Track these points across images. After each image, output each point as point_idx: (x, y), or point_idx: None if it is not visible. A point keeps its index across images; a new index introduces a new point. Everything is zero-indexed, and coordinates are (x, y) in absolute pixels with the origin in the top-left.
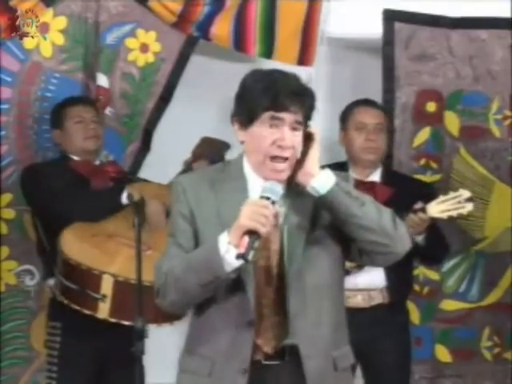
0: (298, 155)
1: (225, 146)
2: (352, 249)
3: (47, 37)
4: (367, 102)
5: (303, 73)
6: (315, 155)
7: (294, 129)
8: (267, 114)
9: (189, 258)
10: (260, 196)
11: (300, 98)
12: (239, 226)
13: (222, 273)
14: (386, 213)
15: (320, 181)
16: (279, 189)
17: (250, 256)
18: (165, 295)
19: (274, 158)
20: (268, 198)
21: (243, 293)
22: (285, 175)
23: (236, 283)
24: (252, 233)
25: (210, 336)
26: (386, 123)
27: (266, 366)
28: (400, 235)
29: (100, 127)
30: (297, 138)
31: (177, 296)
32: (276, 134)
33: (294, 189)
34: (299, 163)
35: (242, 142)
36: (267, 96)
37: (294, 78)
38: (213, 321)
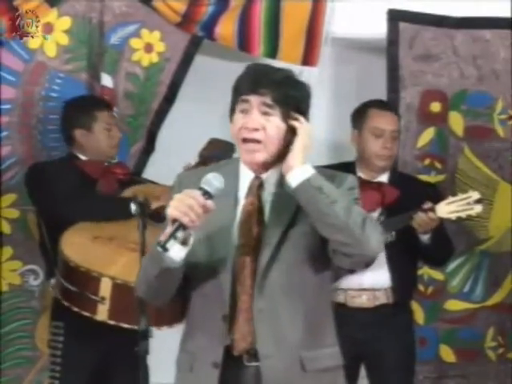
0: (276, 140)
1: (232, 148)
2: (328, 248)
3: (48, 37)
4: (383, 105)
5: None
6: (298, 148)
7: (266, 113)
8: (239, 100)
9: (150, 249)
10: (198, 187)
11: (269, 81)
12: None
13: (164, 263)
14: (357, 214)
15: (295, 174)
16: (218, 182)
17: (169, 245)
18: (137, 287)
19: (244, 141)
20: (205, 191)
21: (221, 288)
22: (259, 157)
23: (217, 278)
24: (177, 222)
25: (192, 331)
26: (399, 129)
27: (248, 367)
28: (366, 237)
29: None
30: (269, 122)
31: (144, 287)
32: (244, 117)
33: (283, 182)
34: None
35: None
36: (243, 83)
37: (276, 69)
38: (195, 317)
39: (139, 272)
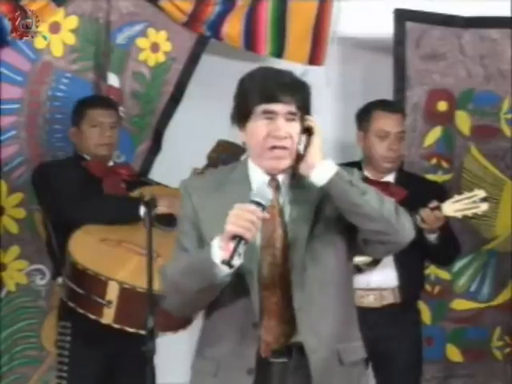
0: (299, 147)
1: (241, 150)
2: (357, 239)
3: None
4: (388, 106)
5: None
6: (316, 147)
7: (289, 120)
8: (260, 108)
9: (187, 263)
10: (250, 200)
11: (291, 88)
12: (225, 231)
13: (215, 278)
14: (389, 203)
15: (321, 171)
16: (268, 193)
17: (235, 261)
18: (170, 301)
19: (271, 148)
20: (258, 203)
21: (247, 294)
22: (285, 163)
23: (240, 285)
24: (237, 238)
25: (215, 338)
26: (405, 129)
27: (272, 363)
28: (402, 224)
29: (116, 134)
30: (293, 128)
31: (179, 301)
32: (270, 125)
33: (297, 182)
34: (302, 156)
35: (244, 144)
36: (258, 90)
37: (285, 72)
38: (219, 323)
39: (168, 288)
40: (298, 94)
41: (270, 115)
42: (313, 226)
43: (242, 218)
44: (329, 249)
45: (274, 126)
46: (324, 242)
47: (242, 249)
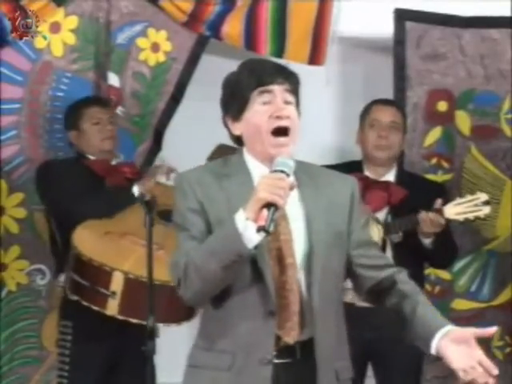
0: (297, 129)
1: None
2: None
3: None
4: (385, 101)
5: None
6: None
7: (287, 102)
8: (256, 92)
9: (207, 244)
10: (273, 170)
11: (282, 71)
12: (257, 199)
13: (244, 250)
14: None
15: None
16: (291, 162)
17: (271, 228)
18: (187, 287)
19: (275, 133)
20: (282, 172)
21: (262, 283)
22: (288, 150)
23: (253, 274)
24: (270, 205)
25: (228, 330)
26: (401, 122)
27: (279, 363)
28: None
29: (115, 128)
30: (292, 111)
31: (200, 286)
32: (271, 107)
33: (309, 178)
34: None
35: (238, 138)
36: (252, 76)
37: (271, 60)
38: (231, 314)
39: (184, 274)
40: (290, 76)
41: (267, 98)
42: (332, 231)
43: (274, 186)
44: (337, 258)
45: (274, 107)
46: (325, 234)
47: (275, 215)
